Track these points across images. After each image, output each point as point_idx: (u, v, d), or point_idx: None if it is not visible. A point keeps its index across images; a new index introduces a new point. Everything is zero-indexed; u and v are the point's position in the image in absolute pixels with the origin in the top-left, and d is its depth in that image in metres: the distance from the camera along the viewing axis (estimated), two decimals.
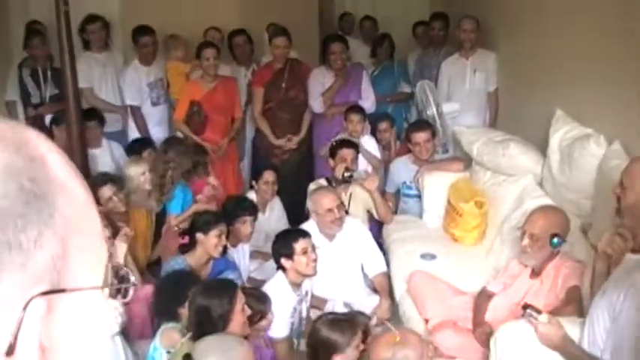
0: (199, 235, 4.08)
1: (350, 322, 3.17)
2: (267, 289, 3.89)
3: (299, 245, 3.86)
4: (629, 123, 3.81)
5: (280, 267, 3.93)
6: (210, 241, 4.06)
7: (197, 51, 5.98)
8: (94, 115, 5.84)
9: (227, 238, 4.19)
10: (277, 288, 3.87)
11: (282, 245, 3.93)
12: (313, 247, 3.94)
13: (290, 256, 3.86)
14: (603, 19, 4.11)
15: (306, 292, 4.07)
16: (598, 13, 4.19)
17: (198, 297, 3.19)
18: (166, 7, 7.08)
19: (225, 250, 4.18)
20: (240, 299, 3.18)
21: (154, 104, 6.46)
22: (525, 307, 2.87)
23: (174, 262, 4.11)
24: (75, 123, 4.98)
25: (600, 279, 2.78)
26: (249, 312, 3.22)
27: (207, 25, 6.97)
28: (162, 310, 3.60)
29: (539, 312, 2.80)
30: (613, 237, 2.67)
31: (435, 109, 5.95)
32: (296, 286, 3.92)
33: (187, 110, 5.96)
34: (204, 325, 3.08)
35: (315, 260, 3.90)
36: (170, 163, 4.91)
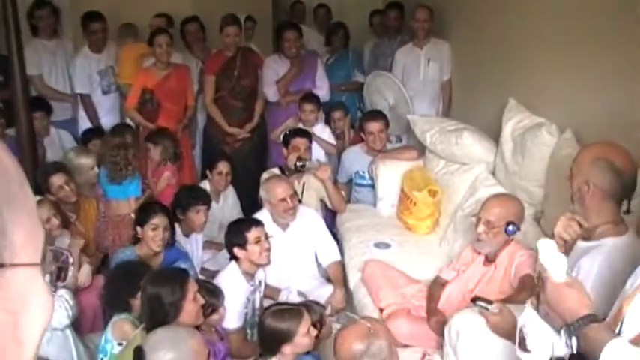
0: (139, 229, 4.02)
1: (293, 310, 3.15)
2: (220, 279, 3.85)
3: (252, 234, 3.81)
4: (581, 112, 3.85)
5: (233, 257, 3.88)
6: (146, 234, 3.99)
7: (149, 38, 5.88)
8: (41, 105, 5.72)
9: (173, 229, 4.13)
10: (230, 278, 3.83)
11: (235, 235, 3.88)
12: (266, 236, 3.90)
13: (243, 245, 3.82)
14: (556, 10, 4.14)
15: (260, 282, 4.03)
16: (551, 4, 4.21)
17: (149, 285, 3.14)
18: None
19: (170, 241, 4.11)
20: (192, 287, 3.13)
21: (104, 92, 6.34)
22: (474, 299, 2.88)
23: (124, 254, 4.04)
24: (22, 111, 4.87)
25: None
26: (202, 301, 3.18)
27: (158, 12, 6.84)
28: (113, 301, 3.54)
29: (489, 302, 2.80)
30: (569, 222, 2.68)
31: (389, 100, 5.97)
32: (249, 275, 3.89)
33: (139, 98, 5.87)
34: (156, 314, 3.03)
35: (268, 249, 3.86)
36: (129, 149, 4.84)
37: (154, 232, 3.98)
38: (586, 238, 2.61)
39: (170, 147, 5.28)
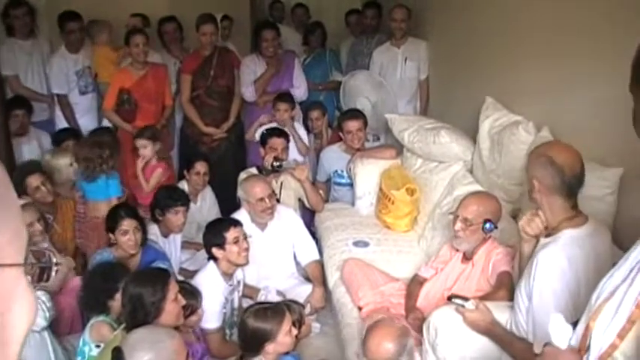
0: (111, 235, 4.04)
1: (275, 310, 3.16)
2: (198, 279, 3.84)
3: (230, 234, 3.82)
4: (558, 110, 3.88)
5: (212, 257, 3.88)
6: (119, 239, 4.00)
7: (125, 37, 5.84)
8: (21, 103, 5.68)
9: (144, 231, 4.12)
10: (209, 278, 3.82)
11: (213, 235, 3.88)
12: (245, 236, 3.90)
13: (221, 245, 3.82)
14: (532, 9, 4.16)
15: (238, 282, 4.03)
16: (527, 2, 4.24)
17: (130, 285, 3.12)
18: None
19: (144, 242, 4.11)
20: (174, 287, 3.12)
21: (82, 93, 6.30)
22: (451, 297, 2.90)
23: (101, 256, 4.04)
24: None
25: (526, 262, 2.83)
26: (183, 302, 3.17)
27: (134, 11, 6.81)
28: (91, 303, 3.52)
29: (466, 299, 2.83)
30: (533, 217, 2.76)
31: (370, 98, 5.98)
32: (228, 276, 3.88)
33: (117, 98, 5.83)
34: (138, 314, 3.02)
35: (246, 249, 3.87)
36: (104, 148, 4.80)
37: (125, 236, 3.98)
38: (547, 235, 2.67)
39: (161, 144, 5.36)
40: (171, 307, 3.08)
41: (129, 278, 3.23)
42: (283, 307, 3.20)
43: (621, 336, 1.40)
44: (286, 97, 5.72)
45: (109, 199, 4.76)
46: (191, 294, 3.44)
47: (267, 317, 3.10)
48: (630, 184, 3.13)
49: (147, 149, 5.20)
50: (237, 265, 3.91)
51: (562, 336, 1.85)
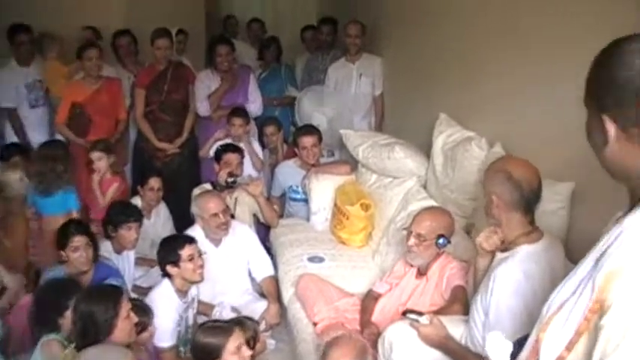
0: (62, 252, 3.98)
1: (224, 327, 3.14)
2: (152, 296, 3.80)
3: (185, 252, 3.79)
4: (510, 125, 3.93)
5: (166, 274, 3.84)
6: (69, 256, 3.95)
7: (78, 51, 5.78)
8: None
9: (95, 247, 4.07)
10: (163, 295, 3.79)
11: (168, 252, 3.85)
12: (200, 253, 3.88)
13: (176, 262, 3.79)
14: (485, 27, 4.22)
15: (193, 299, 3.99)
16: (480, 19, 4.30)
17: (82, 303, 3.08)
18: (44, 5, 6.82)
19: (96, 259, 4.06)
20: (126, 305, 3.09)
21: (32, 106, 6.21)
22: (405, 312, 2.91)
23: (53, 272, 3.96)
24: None
25: (481, 276, 2.85)
26: (135, 319, 3.13)
27: (87, 24, 6.76)
28: (42, 320, 3.44)
29: (420, 314, 2.84)
30: (490, 233, 2.78)
31: (326, 114, 6.00)
32: (182, 293, 3.85)
33: (69, 112, 5.76)
34: (89, 332, 2.98)
35: (201, 267, 3.85)
36: (58, 162, 4.79)
37: (77, 253, 3.93)
38: (504, 250, 2.70)
39: (114, 157, 5.35)
40: (124, 324, 3.04)
41: (80, 295, 3.18)
42: (232, 325, 3.17)
43: (569, 348, 1.42)
44: (241, 112, 5.70)
45: (68, 212, 4.74)
46: (142, 311, 3.40)
47: (215, 333, 3.07)
48: (581, 198, 3.18)
49: (101, 162, 5.18)
50: (192, 283, 3.88)
51: (501, 353, 1.86)
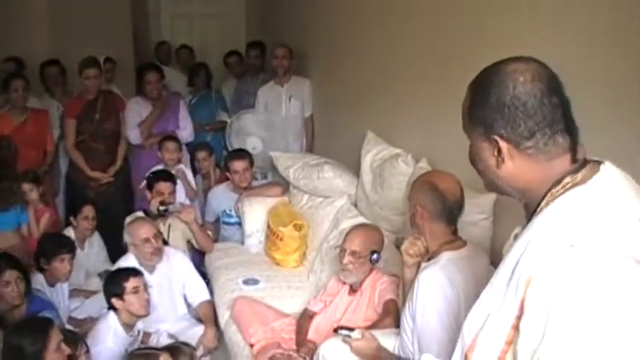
0: None
1: (150, 355, 3.13)
2: (97, 330, 3.75)
3: (130, 284, 3.77)
4: (434, 142, 4.03)
5: (111, 307, 3.80)
6: (0, 290, 3.88)
7: (4, 83, 5.70)
8: None
9: (27, 280, 4.02)
10: (108, 329, 3.73)
11: (113, 284, 3.82)
12: (146, 287, 3.87)
13: (120, 295, 3.76)
14: (407, 47, 4.33)
15: (139, 332, 3.96)
16: (402, 41, 4.40)
17: (10, 336, 3.03)
18: None
19: (28, 292, 4.01)
20: (55, 337, 3.04)
21: None
22: (336, 329, 2.95)
23: None
24: None
25: (409, 287, 2.91)
26: (67, 351, 3.08)
27: (13, 54, 6.66)
28: None
29: (351, 329, 2.88)
30: (415, 240, 2.86)
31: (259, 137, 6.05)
32: (129, 327, 3.81)
33: None
34: None
35: (147, 300, 3.83)
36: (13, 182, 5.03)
37: (8, 287, 3.87)
38: (428, 259, 2.77)
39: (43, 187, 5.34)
40: (54, 357, 2.99)
41: (9, 329, 3.14)
42: (158, 352, 3.16)
43: (501, 358, 1.46)
44: (172, 138, 5.70)
45: (17, 228, 5.00)
46: (70, 341, 3.35)
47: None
48: (503, 209, 3.28)
49: (33, 192, 5.16)
50: (138, 317, 3.84)
51: None
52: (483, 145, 1.56)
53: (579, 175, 1.48)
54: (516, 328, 1.40)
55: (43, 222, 5.18)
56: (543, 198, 1.50)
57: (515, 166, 1.52)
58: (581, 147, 1.54)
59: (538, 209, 1.51)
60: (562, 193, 1.47)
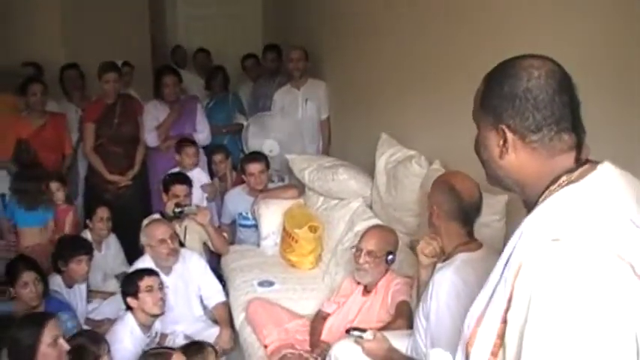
0: (11, 289, 3.99)
1: (161, 354, 3.16)
2: (115, 331, 3.79)
3: (144, 283, 3.81)
4: (448, 143, 4.02)
5: (128, 307, 3.85)
6: (19, 292, 3.95)
7: (21, 87, 5.77)
8: None
9: (45, 282, 4.08)
10: (126, 330, 3.78)
11: (128, 284, 3.87)
12: (160, 286, 3.90)
13: (135, 294, 3.80)
14: (421, 48, 4.33)
15: (157, 333, 3.99)
16: (417, 42, 4.41)
17: (13, 330, 3.07)
18: None
19: (46, 293, 4.06)
20: (51, 331, 3.04)
21: None
22: (349, 330, 2.96)
23: (1, 307, 3.95)
24: None
25: (424, 288, 2.92)
26: (65, 346, 3.09)
27: (31, 59, 6.74)
28: None
29: (363, 331, 2.89)
30: (430, 240, 2.87)
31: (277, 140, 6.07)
32: (146, 327, 3.85)
33: (15, 149, 5.73)
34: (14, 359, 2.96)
35: (162, 299, 3.86)
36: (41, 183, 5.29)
37: (26, 288, 3.92)
38: (444, 260, 2.78)
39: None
40: (48, 350, 3.00)
41: (14, 324, 3.18)
42: (169, 351, 3.18)
43: (494, 353, 1.49)
44: (189, 141, 5.75)
45: (44, 225, 5.22)
46: (92, 340, 3.39)
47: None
48: (516, 210, 3.27)
49: (60, 192, 5.37)
50: (153, 316, 3.87)
51: None
52: (490, 134, 1.60)
53: (576, 174, 1.51)
54: (505, 321, 1.43)
55: (68, 221, 5.33)
56: (541, 195, 1.53)
57: (518, 158, 1.56)
58: (586, 147, 1.57)
59: (535, 206, 1.53)
60: (557, 190, 1.50)
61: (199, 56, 8.24)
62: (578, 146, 1.55)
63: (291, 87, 6.34)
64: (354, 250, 3.68)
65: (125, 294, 3.86)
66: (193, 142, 5.76)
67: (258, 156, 5.49)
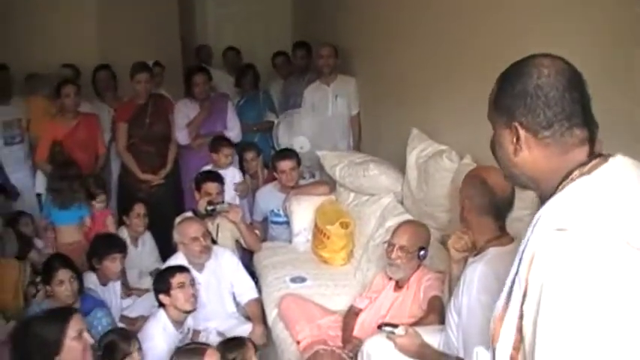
0: (47, 287, 4.06)
1: (196, 349, 3.18)
2: (147, 326, 3.83)
3: (175, 280, 3.84)
4: (479, 138, 3.95)
5: (160, 304, 3.88)
6: (55, 291, 4.00)
7: (57, 88, 5.85)
8: None
9: (80, 280, 4.13)
10: (158, 326, 3.81)
11: (159, 281, 3.91)
12: (192, 282, 3.93)
13: (167, 291, 3.83)
14: (451, 42, 4.31)
15: (189, 330, 4.02)
16: (447, 36, 4.39)
17: (32, 325, 3.10)
18: (20, 43, 6.94)
19: (79, 290, 4.10)
20: (76, 324, 3.05)
21: (7, 144, 6.25)
22: (380, 326, 2.95)
23: (38, 307, 4.03)
24: None
25: (455, 283, 2.91)
26: (90, 340, 3.12)
27: (64, 61, 6.83)
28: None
29: (395, 326, 2.89)
30: (462, 235, 2.87)
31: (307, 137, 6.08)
32: (178, 324, 3.87)
33: (49, 150, 5.83)
34: (37, 353, 2.98)
35: (193, 295, 3.88)
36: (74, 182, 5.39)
37: (62, 286, 3.98)
38: (475, 255, 2.76)
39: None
40: (73, 344, 3.01)
41: (32, 320, 3.22)
42: (204, 347, 3.20)
43: (516, 348, 1.51)
44: (226, 140, 5.79)
45: (81, 222, 5.36)
46: (123, 337, 3.42)
47: (188, 355, 3.12)
48: None
49: (101, 203, 5.58)
50: (185, 312, 3.90)
51: None
52: (504, 132, 1.64)
53: (588, 167, 1.53)
54: (521, 315, 1.46)
55: (110, 222, 5.49)
56: (556, 190, 1.55)
57: (532, 155, 1.59)
58: (599, 142, 1.60)
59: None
60: (569, 184, 1.53)
61: (229, 54, 8.28)
62: (591, 141, 1.58)
63: (321, 84, 6.34)
64: (385, 245, 3.68)
65: (157, 291, 3.89)
66: (229, 141, 5.79)
67: (289, 153, 5.51)
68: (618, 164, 1.52)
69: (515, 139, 1.60)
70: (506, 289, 1.59)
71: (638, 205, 1.42)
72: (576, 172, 1.53)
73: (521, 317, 1.47)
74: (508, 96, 1.61)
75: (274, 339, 4.23)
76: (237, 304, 4.59)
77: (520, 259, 1.52)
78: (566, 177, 1.54)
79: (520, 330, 1.48)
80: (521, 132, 1.58)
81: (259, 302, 4.55)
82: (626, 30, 2.62)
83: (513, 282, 1.54)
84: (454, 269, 3.02)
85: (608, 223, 1.38)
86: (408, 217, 4.28)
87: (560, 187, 1.54)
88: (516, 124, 1.58)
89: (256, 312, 4.46)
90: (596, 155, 1.56)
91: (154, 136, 5.96)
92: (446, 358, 2.77)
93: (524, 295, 1.45)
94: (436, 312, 3.30)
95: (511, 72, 1.64)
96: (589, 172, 1.51)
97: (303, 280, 4.62)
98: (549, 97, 1.54)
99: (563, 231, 1.39)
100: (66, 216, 5.34)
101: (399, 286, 3.65)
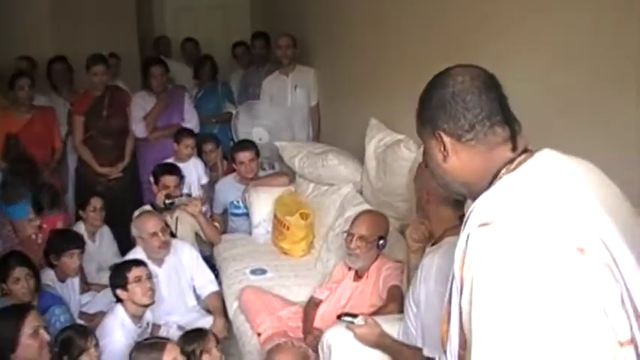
0: (4, 285, 3.98)
1: (157, 343, 3.18)
2: (105, 323, 3.79)
3: (132, 274, 3.80)
4: None
5: (118, 299, 3.84)
6: (11, 288, 3.94)
7: (10, 81, 5.74)
8: None
9: (37, 277, 4.07)
10: (116, 321, 3.77)
11: (116, 276, 3.87)
12: (149, 276, 3.90)
13: (124, 286, 3.79)
14: (409, 31, 4.33)
15: (148, 324, 3.99)
16: (405, 25, 4.40)
17: None
18: None
19: (38, 288, 4.05)
20: (31, 322, 3.05)
21: None
22: (340, 316, 2.96)
23: None
24: None
25: (414, 272, 2.91)
26: (46, 337, 3.10)
27: (18, 53, 6.71)
28: None
29: (355, 316, 2.90)
30: (419, 225, 2.87)
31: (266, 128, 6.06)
32: (137, 318, 3.84)
33: (3, 144, 5.71)
34: None
35: (151, 289, 3.85)
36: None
37: (18, 284, 3.91)
38: (432, 244, 2.77)
39: None
40: (29, 341, 3.01)
41: None
42: (164, 341, 3.22)
43: (463, 347, 1.53)
44: (188, 131, 5.76)
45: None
46: (79, 333, 3.39)
47: (147, 350, 3.12)
48: None
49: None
50: (143, 306, 3.87)
51: None
52: (432, 143, 1.69)
53: (514, 164, 1.58)
54: (461, 314, 1.49)
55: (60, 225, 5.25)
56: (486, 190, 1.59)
57: (460, 159, 1.64)
58: (522, 138, 1.65)
59: None
60: (497, 182, 1.57)
61: (187, 46, 8.18)
62: (513, 138, 1.62)
63: (280, 74, 6.32)
64: (345, 235, 3.68)
65: (114, 286, 3.85)
66: (192, 133, 5.75)
67: (247, 144, 5.48)
68: (543, 158, 1.57)
69: (442, 147, 1.64)
70: (447, 289, 1.61)
71: (561, 197, 1.47)
72: (503, 171, 1.58)
73: (461, 314, 1.49)
74: (429, 108, 1.67)
75: (235, 331, 4.22)
76: (198, 298, 4.57)
77: (453, 259, 1.55)
78: (495, 176, 1.59)
79: (462, 328, 1.50)
80: (446, 138, 1.62)
81: (220, 295, 4.53)
82: None
83: (451, 282, 1.57)
84: (412, 259, 3.03)
85: (530, 215, 1.41)
86: (367, 206, 4.29)
87: (489, 187, 1.58)
88: (440, 131, 1.63)
89: (217, 305, 4.44)
90: (522, 151, 1.61)
91: (111, 128, 5.89)
92: (404, 347, 2.79)
93: (461, 292, 1.48)
94: (396, 301, 3.31)
95: (429, 87, 1.71)
96: (515, 168, 1.56)
97: (263, 271, 4.61)
98: (467, 101, 1.60)
99: (487, 225, 1.43)
100: (17, 211, 5.09)
101: (358, 275, 3.65)
